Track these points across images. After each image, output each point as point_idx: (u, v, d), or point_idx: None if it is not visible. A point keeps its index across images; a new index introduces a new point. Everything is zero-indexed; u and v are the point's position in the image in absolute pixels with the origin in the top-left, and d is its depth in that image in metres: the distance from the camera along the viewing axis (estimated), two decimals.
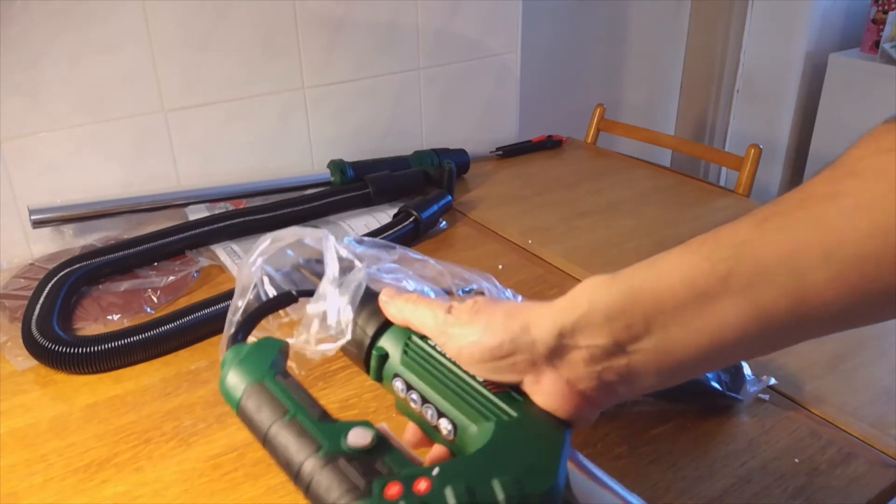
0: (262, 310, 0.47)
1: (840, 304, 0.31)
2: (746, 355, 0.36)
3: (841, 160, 0.33)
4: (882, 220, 0.30)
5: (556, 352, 0.37)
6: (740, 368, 0.61)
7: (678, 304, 0.34)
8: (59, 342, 0.66)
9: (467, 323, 0.40)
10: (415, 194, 1.04)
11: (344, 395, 0.64)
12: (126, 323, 0.74)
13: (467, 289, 0.49)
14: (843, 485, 0.53)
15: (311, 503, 0.36)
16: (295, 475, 0.37)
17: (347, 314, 0.45)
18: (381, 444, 0.37)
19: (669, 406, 0.60)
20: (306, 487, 0.36)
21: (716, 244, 0.34)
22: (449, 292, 0.47)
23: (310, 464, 0.36)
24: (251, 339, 0.46)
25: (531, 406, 0.38)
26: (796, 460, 0.55)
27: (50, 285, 0.74)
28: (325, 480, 0.35)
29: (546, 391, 0.38)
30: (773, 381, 0.63)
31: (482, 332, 0.39)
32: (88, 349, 0.66)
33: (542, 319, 0.37)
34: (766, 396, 0.62)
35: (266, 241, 0.49)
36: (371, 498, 0.33)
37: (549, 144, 1.29)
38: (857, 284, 0.30)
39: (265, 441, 0.39)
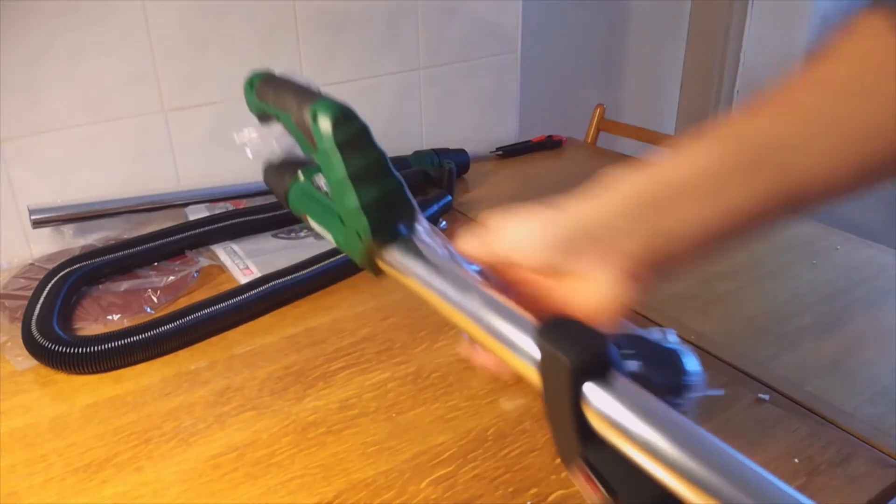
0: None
1: (833, 179, 0.36)
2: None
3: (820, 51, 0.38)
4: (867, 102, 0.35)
5: (595, 242, 0.38)
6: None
7: (697, 191, 0.37)
8: (58, 342, 0.66)
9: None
10: (415, 194, 1.04)
11: (344, 394, 0.64)
12: (126, 323, 0.74)
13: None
14: (843, 485, 0.53)
15: None
16: None
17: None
18: None
19: None
20: None
21: (729, 136, 0.38)
22: None
23: None
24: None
25: None
26: (796, 460, 0.55)
27: (50, 285, 0.74)
28: None
29: (591, 277, 0.38)
30: (721, 392, 0.62)
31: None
32: (88, 349, 0.66)
33: (578, 210, 0.41)
34: (767, 396, 0.62)
35: None
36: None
37: (549, 144, 1.29)
38: (852, 160, 0.36)
39: None
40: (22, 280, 0.81)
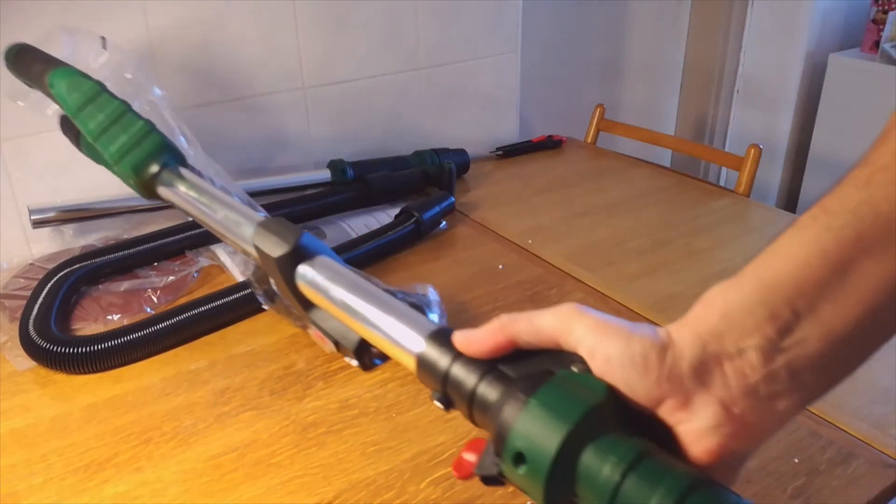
0: None
1: None
2: None
3: None
4: None
5: (704, 366, 0.32)
6: None
7: (819, 281, 0.32)
8: (55, 342, 0.66)
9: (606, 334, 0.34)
10: (415, 194, 1.04)
11: (344, 395, 0.64)
12: (126, 323, 0.74)
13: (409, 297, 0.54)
14: (843, 485, 0.53)
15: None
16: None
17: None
18: None
19: None
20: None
21: (829, 215, 0.33)
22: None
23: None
24: None
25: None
26: (796, 460, 0.55)
27: (49, 285, 0.74)
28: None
29: (698, 415, 0.32)
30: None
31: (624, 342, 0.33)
32: (85, 349, 0.66)
33: (679, 331, 0.33)
34: None
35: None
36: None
37: (549, 144, 1.29)
38: None
39: None
40: (22, 280, 0.81)
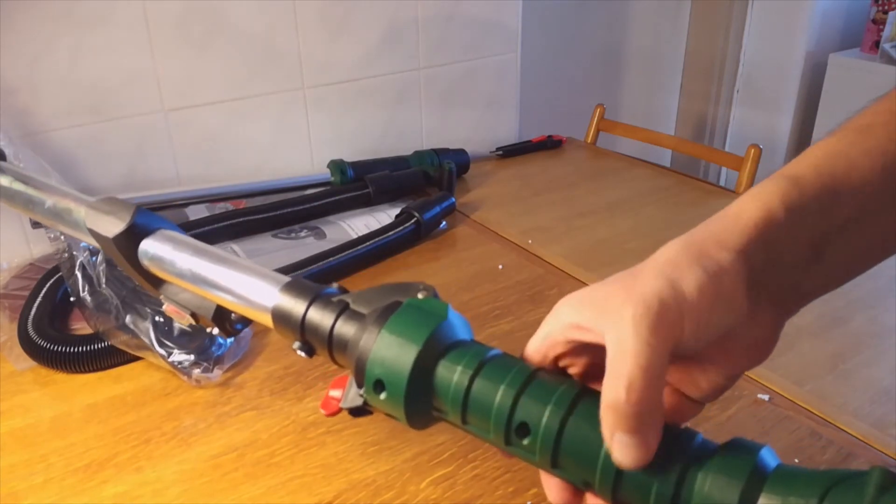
0: None
1: None
2: None
3: None
4: None
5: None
6: None
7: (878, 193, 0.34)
8: (55, 341, 0.66)
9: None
10: (415, 194, 1.04)
11: None
12: None
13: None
14: None
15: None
16: None
17: None
18: None
19: None
20: None
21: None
22: None
23: None
24: None
25: None
26: (796, 460, 0.55)
27: (48, 285, 0.74)
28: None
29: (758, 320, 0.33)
30: None
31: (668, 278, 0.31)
32: (85, 348, 0.66)
33: (723, 234, 0.32)
34: (767, 396, 0.62)
35: None
36: None
37: (549, 144, 1.29)
38: None
39: None
40: (22, 280, 0.81)
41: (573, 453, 0.31)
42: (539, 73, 1.65)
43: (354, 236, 0.90)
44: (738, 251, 0.31)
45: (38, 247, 0.89)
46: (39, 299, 0.72)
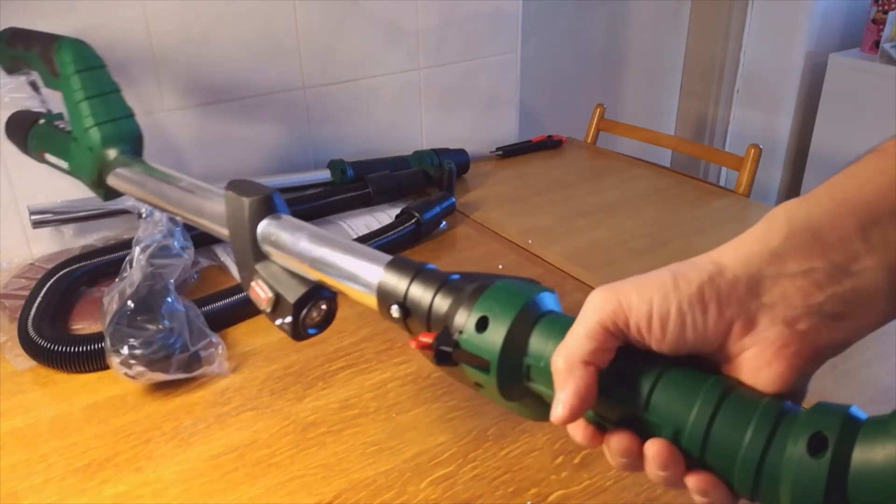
0: None
1: None
2: None
3: None
4: None
5: (761, 285, 0.31)
6: None
7: (893, 208, 0.31)
8: (55, 341, 0.66)
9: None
10: (415, 194, 1.04)
11: (344, 395, 0.64)
12: None
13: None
14: None
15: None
16: None
17: None
18: None
19: None
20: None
21: None
22: None
23: None
24: None
25: None
26: None
27: (48, 285, 0.74)
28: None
29: (763, 335, 0.32)
30: None
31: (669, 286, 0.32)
32: (85, 348, 0.66)
33: (735, 252, 0.33)
34: None
35: None
36: None
37: (549, 144, 1.29)
38: None
39: None
40: (22, 280, 0.81)
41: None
42: (539, 73, 1.66)
43: (354, 236, 0.90)
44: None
45: (38, 247, 0.89)
46: (39, 299, 0.72)
